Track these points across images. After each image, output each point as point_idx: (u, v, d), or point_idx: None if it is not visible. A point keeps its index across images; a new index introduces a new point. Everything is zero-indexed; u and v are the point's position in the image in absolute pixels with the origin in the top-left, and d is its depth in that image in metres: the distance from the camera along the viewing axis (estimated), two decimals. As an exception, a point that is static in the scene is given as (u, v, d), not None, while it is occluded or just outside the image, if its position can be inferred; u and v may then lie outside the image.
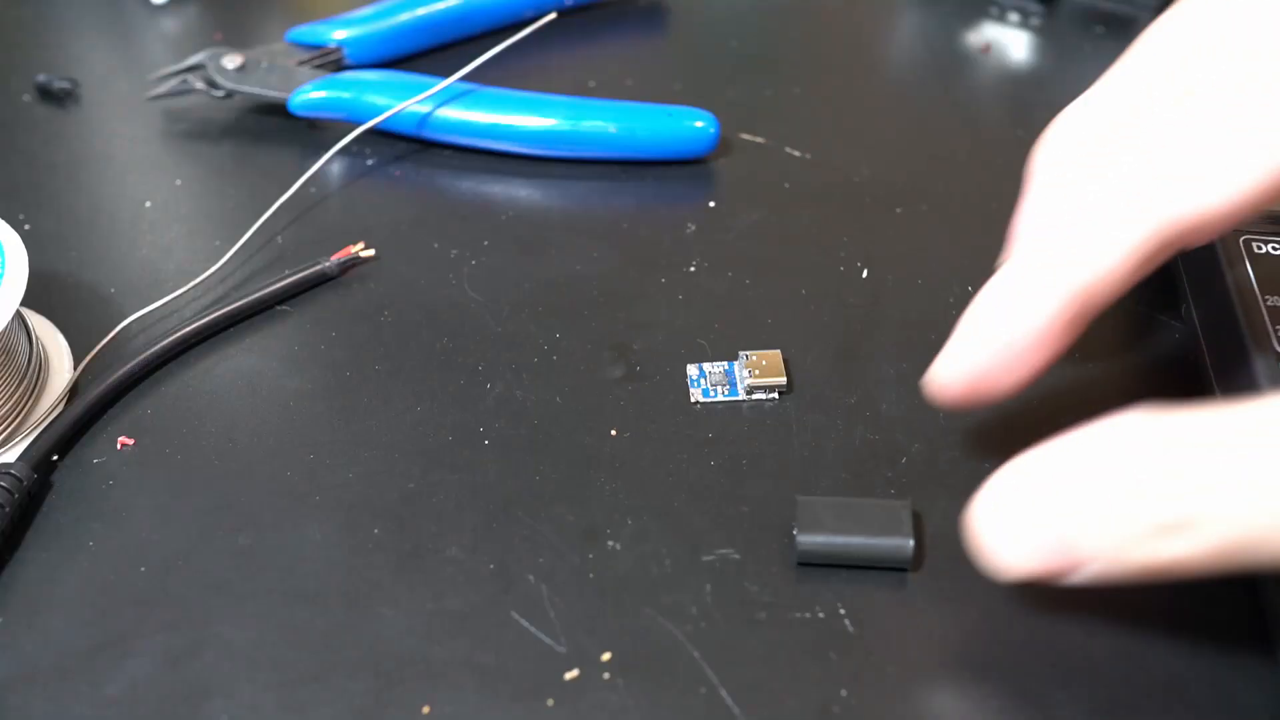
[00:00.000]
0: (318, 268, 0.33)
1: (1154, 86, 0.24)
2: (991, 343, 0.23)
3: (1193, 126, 0.23)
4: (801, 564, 0.25)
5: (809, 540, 0.25)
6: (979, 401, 0.24)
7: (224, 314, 0.31)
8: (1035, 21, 0.45)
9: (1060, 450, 0.21)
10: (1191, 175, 0.22)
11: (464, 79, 0.37)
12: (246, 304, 0.32)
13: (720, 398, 0.29)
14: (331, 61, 0.41)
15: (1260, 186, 0.22)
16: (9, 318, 0.27)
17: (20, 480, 0.26)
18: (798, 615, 0.24)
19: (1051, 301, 0.23)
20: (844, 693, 0.23)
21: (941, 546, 0.25)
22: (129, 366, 0.30)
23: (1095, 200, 0.23)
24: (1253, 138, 0.22)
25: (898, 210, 0.36)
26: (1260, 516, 0.18)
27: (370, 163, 0.38)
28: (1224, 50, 0.23)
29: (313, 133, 0.39)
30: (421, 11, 0.43)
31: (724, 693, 0.23)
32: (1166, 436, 0.20)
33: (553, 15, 0.39)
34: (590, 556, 0.26)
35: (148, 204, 0.37)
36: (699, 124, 0.37)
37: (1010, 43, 0.44)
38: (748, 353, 0.30)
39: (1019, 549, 0.21)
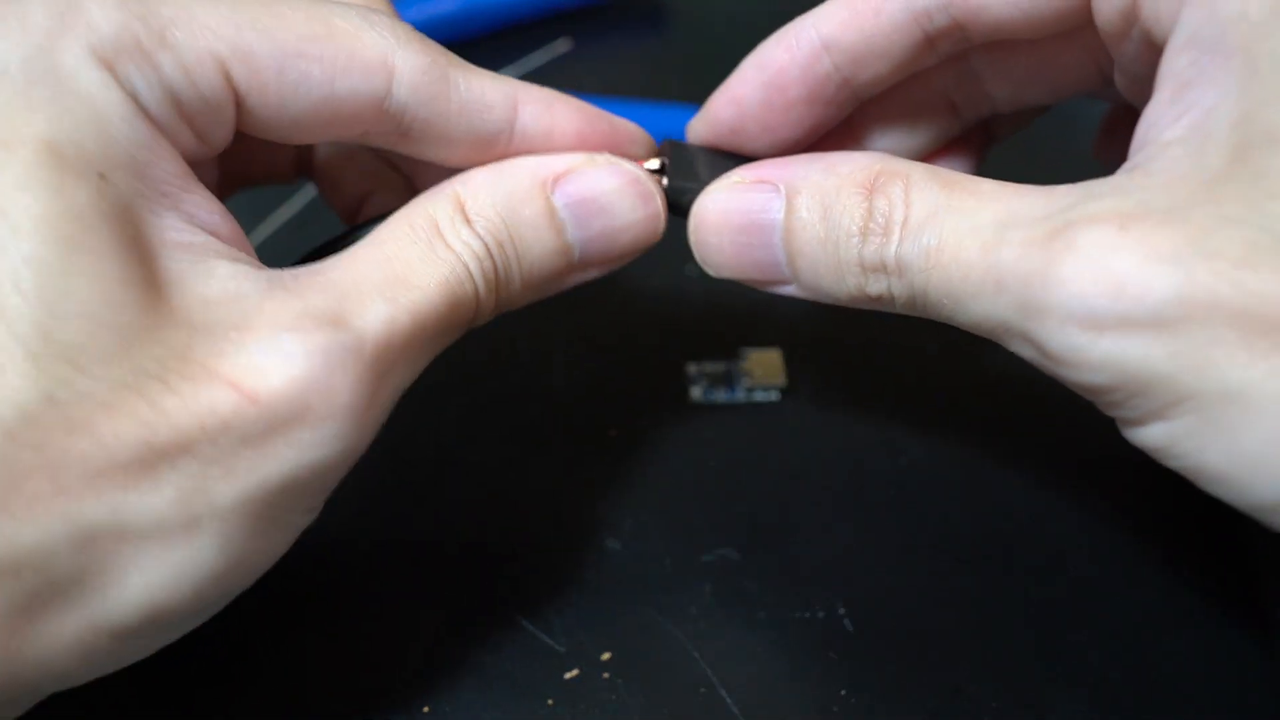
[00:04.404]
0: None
1: None
2: (754, 79, 0.23)
3: None
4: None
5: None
6: (735, 136, 0.24)
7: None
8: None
9: (795, 169, 0.22)
10: None
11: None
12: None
13: (720, 398, 0.29)
14: (332, 62, 0.41)
15: None
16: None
17: None
18: (798, 615, 0.24)
19: (803, 36, 0.23)
20: (844, 692, 0.23)
21: (943, 549, 0.25)
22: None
23: None
24: None
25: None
26: (935, 285, 0.19)
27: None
28: None
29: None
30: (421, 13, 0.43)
31: (724, 693, 0.23)
32: (895, 187, 0.20)
33: (567, 48, 0.39)
34: (590, 557, 0.26)
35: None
36: (699, 124, 0.37)
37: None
38: (748, 352, 0.30)
39: (727, 265, 0.23)
